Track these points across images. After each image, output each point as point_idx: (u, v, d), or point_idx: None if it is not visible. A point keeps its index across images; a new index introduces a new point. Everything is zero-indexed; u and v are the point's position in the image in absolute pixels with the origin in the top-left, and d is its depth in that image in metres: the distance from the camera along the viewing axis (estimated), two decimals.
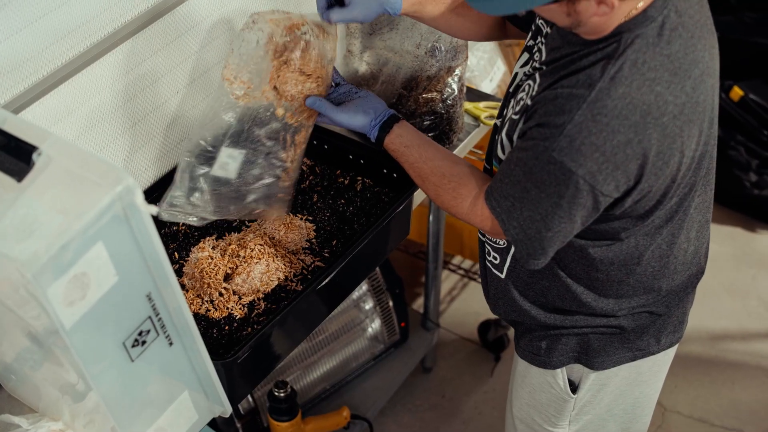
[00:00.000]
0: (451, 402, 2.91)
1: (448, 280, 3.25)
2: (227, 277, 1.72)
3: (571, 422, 1.82)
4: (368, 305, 2.69)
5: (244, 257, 1.72)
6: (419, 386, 2.95)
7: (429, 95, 2.00)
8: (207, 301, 1.69)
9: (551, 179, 1.39)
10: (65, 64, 1.58)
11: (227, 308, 1.68)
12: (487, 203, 1.51)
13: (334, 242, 1.81)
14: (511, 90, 1.62)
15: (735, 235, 3.44)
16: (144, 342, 1.29)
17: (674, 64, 1.38)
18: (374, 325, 2.71)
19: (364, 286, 2.66)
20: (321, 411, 2.59)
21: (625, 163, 1.38)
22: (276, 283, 1.72)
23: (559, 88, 1.40)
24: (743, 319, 3.14)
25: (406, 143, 1.65)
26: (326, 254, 1.79)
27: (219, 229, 1.85)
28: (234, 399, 1.59)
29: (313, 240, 1.81)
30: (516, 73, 1.62)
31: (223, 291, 1.70)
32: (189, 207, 1.67)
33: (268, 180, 1.68)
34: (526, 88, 1.52)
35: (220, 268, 1.70)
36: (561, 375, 1.76)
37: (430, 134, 2.04)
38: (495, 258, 1.73)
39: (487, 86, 2.75)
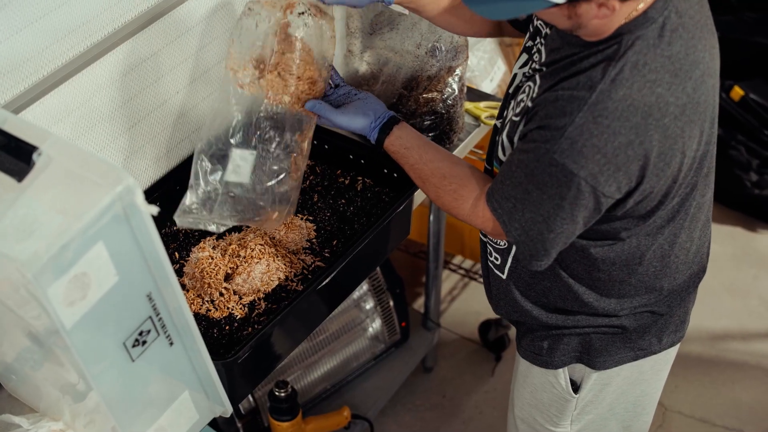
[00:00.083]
0: (451, 402, 2.91)
1: (448, 280, 3.25)
2: (228, 277, 1.72)
3: (573, 422, 1.82)
4: (369, 305, 2.69)
5: (244, 257, 1.72)
6: (420, 386, 2.95)
7: (429, 95, 2.00)
8: (207, 301, 1.69)
9: (553, 181, 1.39)
10: (65, 64, 1.58)
11: (228, 308, 1.68)
12: (489, 204, 1.51)
13: (334, 242, 1.81)
14: (510, 91, 1.62)
15: (735, 235, 3.44)
16: (144, 342, 1.29)
17: (675, 65, 1.38)
18: (375, 325, 2.71)
19: (364, 286, 2.66)
20: (322, 411, 2.59)
21: (626, 164, 1.38)
22: (276, 282, 1.72)
23: (560, 90, 1.40)
24: (744, 319, 3.14)
25: (406, 145, 1.65)
26: (327, 254, 1.79)
27: None
28: (234, 399, 1.59)
29: (314, 240, 1.81)
30: (515, 74, 1.62)
31: (224, 291, 1.70)
32: (205, 213, 1.67)
33: (280, 174, 1.68)
34: (526, 89, 1.52)
35: (220, 267, 1.70)
36: (563, 375, 1.76)
37: (430, 134, 2.04)
38: (496, 258, 1.73)
39: (488, 86, 2.74)
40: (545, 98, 1.42)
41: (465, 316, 3.14)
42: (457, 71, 2.01)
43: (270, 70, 1.62)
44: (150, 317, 1.28)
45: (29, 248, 1.07)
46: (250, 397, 2.43)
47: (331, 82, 1.73)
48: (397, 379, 2.76)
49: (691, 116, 1.41)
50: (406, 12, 1.90)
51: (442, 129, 2.05)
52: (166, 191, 1.84)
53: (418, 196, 1.98)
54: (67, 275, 1.11)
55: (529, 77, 1.54)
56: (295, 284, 1.73)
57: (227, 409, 1.53)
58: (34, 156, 1.14)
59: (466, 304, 3.19)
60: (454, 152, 2.10)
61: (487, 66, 2.77)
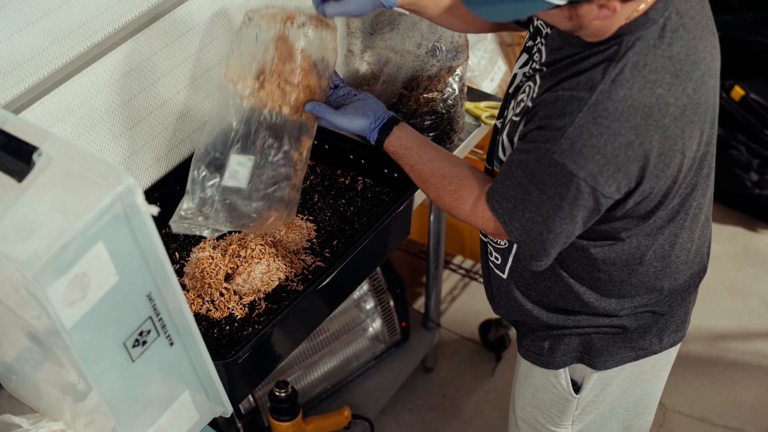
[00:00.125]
0: (452, 402, 2.91)
1: (449, 280, 3.25)
2: (228, 277, 1.72)
3: (574, 422, 1.82)
4: (369, 305, 2.69)
5: (244, 257, 1.72)
6: (420, 386, 2.95)
7: (430, 95, 2.00)
8: (208, 301, 1.69)
9: (552, 181, 1.39)
10: (66, 64, 1.58)
11: (228, 308, 1.68)
12: (489, 204, 1.51)
13: (334, 242, 1.81)
14: (510, 91, 1.62)
15: (736, 235, 3.43)
16: (145, 342, 1.29)
17: (675, 65, 1.38)
18: (375, 325, 2.71)
19: (365, 286, 2.66)
20: (322, 411, 2.59)
21: (626, 164, 1.38)
22: (277, 283, 1.72)
23: (560, 91, 1.40)
24: (744, 319, 3.14)
25: (405, 145, 1.65)
26: (327, 254, 1.79)
27: None
28: (235, 399, 1.59)
29: (314, 240, 1.81)
30: (515, 74, 1.62)
31: (224, 291, 1.70)
32: (201, 219, 1.66)
33: (279, 182, 1.68)
34: (527, 89, 1.52)
35: (220, 268, 1.70)
36: (564, 375, 1.76)
37: (431, 134, 2.04)
38: (497, 258, 1.73)
39: (488, 86, 2.74)
40: (545, 98, 1.42)
41: (465, 316, 3.14)
42: (458, 71, 2.01)
43: (270, 80, 1.61)
44: (150, 317, 1.28)
45: (29, 248, 1.07)
46: (250, 397, 2.43)
47: (330, 83, 1.73)
48: (398, 379, 2.76)
49: (692, 117, 1.41)
50: (407, 12, 1.90)
51: (442, 129, 2.05)
52: (167, 191, 1.84)
53: (419, 196, 1.98)
54: (67, 275, 1.11)
55: (530, 77, 1.54)
56: (295, 284, 1.73)
57: (227, 409, 1.53)
58: (35, 156, 1.14)
59: (467, 304, 3.19)
60: (455, 152, 2.10)
61: (487, 66, 2.77)
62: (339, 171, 1.96)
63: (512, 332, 2.99)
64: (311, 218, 1.86)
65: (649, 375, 1.79)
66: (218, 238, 1.81)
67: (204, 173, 1.65)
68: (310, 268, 1.76)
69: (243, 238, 1.76)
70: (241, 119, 1.64)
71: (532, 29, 1.60)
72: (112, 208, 1.11)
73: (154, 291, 1.25)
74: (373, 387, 2.72)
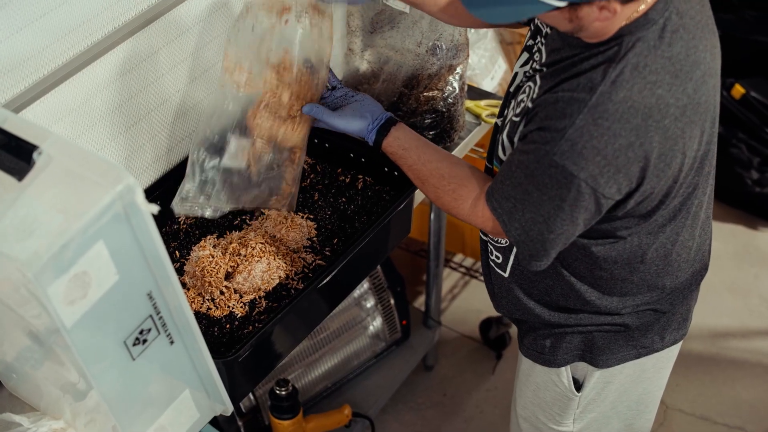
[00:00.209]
0: (452, 400, 2.91)
1: (449, 278, 3.25)
2: (228, 276, 1.72)
3: (576, 420, 1.82)
4: (369, 303, 2.69)
5: (245, 255, 1.72)
6: (421, 384, 2.95)
7: (430, 93, 2.00)
8: (208, 300, 1.69)
9: (553, 182, 1.39)
10: (66, 63, 1.58)
11: (228, 307, 1.68)
12: (488, 204, 1.51)
13: (335, 240, 1.81)
14: (511, 90, 1.62)
15: (737, 233, 3.43)
16: (145, 341, 1.29)
17: (676, 66, 1.38)
18: (375, 323, 2.71)
19: (365, 285, 2.66)
20: (322, 409, 2.59)
21: (626, 165, 1.38)
22: (277, 281, 1.72)
23: (560, 92, 1.40)
24: (745, 317, 3.14)
25: (404, 146, 1.65)
26: (327, 252, 1.79)
27: (220, 227, 1.85)
28: (235, 397, 1.59)
29: (314, 238, 1.81)
30: (516, 73, 1.62)
31: (224, 289, 1.70)
32: (202, 199, 1.68)
33: (280, 164, 1.69)
34: (527, 89, 1.52)
35: (221, 266, 1.70)
36: (565, 373, 1.76)
37: (431, 132, 2.04)
38: (498, 257, 1.73)
39: (489, 84, 2.74)
40: (545, 99, 1.42)
41: (466, 314, 3.14)
42: (458, 69, 2.01)
43: (267, 69, 1.62)
44: (150, 316, 1.28)
45: (29, 247, 1.07)
46: (250, 395, 2.43)
47: (328, 84, 1.74)
48: (398, 378, 2.76)
49: (692, 117, 1.41)
50: (407, 10, 1.90)
51: (442, 127, 2.05)
52: (167, 190, 1.84)
53: (419, 195, 1.98)
54: (68, 274, 1.11)
55: (530, 77, 1.54)
56: (295, 283, 1.73)
57: (228, 408, 1.53)
58: (35, 155, 1.14)
59: (467, 302, 3.19)
60: (455, 150, 2.10)
61: (487, 64, 2.77)
62: (339, 169, 1.96)
63: (513, 330, 2.99)
64: (311, 217, 1.86)
65: (651, 373, 1.79)
66: (218, 237, 1.81)
67: (204, 156, 1.67)
68: (311, 267, 1.76)
69: (243, 237, 1.76)
70: (239, 106, 1.65)
71: (532, 28, 1.60)
72: (113, 207, 1.11)
73: (155, 290, 1.25)
74: (373, 385, 2.72)
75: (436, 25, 1.93)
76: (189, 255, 1.77)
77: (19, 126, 1.18)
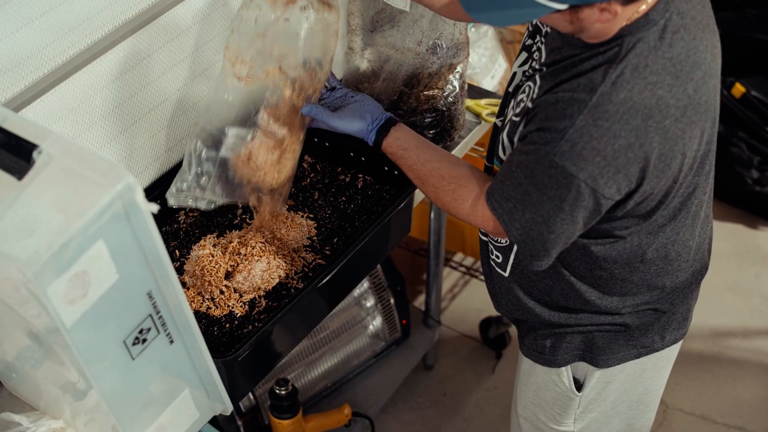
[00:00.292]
0: (452, 399, 2.91)
1: (449, 278, 3.25)
2: (228, 275, 1.72)
3: (576, 420, 1.82)
4: (369, 303, 2.69)
5: (245, 255, 1.72)
6: (421, 384, 2.95)
7: (430, 92, 1.99)
8: (208, 299, 1.69)
9: (552, 183, 1.39)
10: (66, 62, 1.58)
11: (228, 306, 1.68)
12: (488, 204, 1.51)
13: (335, 240, 1.81)
14: (510, 90, 1.62)
15: (737, 232, 3.43)
16: (145, 340, 1.29)
17: (676, 67, 1.37)
18: (375, 323, 2.71)
19: (365, 284, 2.65)
20: (322, 409, 2.59)
21: (626, 166, 1.37)
22: (277, 280, 1.71)
23: (560, 92, 1.39)
24: (745, 317, 3.14)
25: (403, 146, 1.65)
26: (327, 252, 1.79)
27: (220, 226, 1.85)
28: (235, 397, 1.59)
29: (314, 237, 1.81)
30: (515, 73, 1.61)
31: (224, 289, 1.70)
32: (197, 191, 1.67)
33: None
34: (526, 89, 1.52)
35: (221, 265, 1.70)
36: (566, 373, 1.76)
37: (431, 131, 2.04)
38: (498, 257, 1.73)
39: (489, 83, 2.74)
40: (545, 100, 1.42)
41: (466, 314, 3.14)
42: (458, 68, 2.01)
43: (269, 63, 1.61)
44: (150, 315, 1.28)
45: (29, 247, 1.07)
46: (250, 395, 2.43)
47: (327, 84, 1.73)
48: (398, 377, 2.76)
49: (692, 117, 1.41)
50: (407, 9, 1.90)
51: (443, 126, 2.05)
52: (167, 189, 1.83)
53: (419, 194, 1.97)
54: (68, 273, 1.11)
55: (529, 77, 1.54)
56: (295, 282, 1.72)
57: (227, 407, 1.53)
58: (34, 154, 1.14)
59: (467, 302, 3.19)
60: (455, 149, 2.10)
61: (488, 63, 2.77)
62: (339, 168, 1.96)
63: (512, 330, 2.99)
64: (311, 216, 1.85)
65: (651, 373, 1.79)
66: (218, 236, 1.80)
67: (201, 148, 1.66)
68: (311, 266, 1.76)
69: (243, 236, 1.76)
70: (238, 99, 1.64)
71: (531, 27, 1.60)
72: (112, 207, 1.11)
73: (154, 289, 1.25)
74: (373, 385, 2.72)
75: (437, 23, 1.93)
76: (189, 254, 1.77)
77: (19, 125, 1.18)
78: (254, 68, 1.61)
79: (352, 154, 1.93)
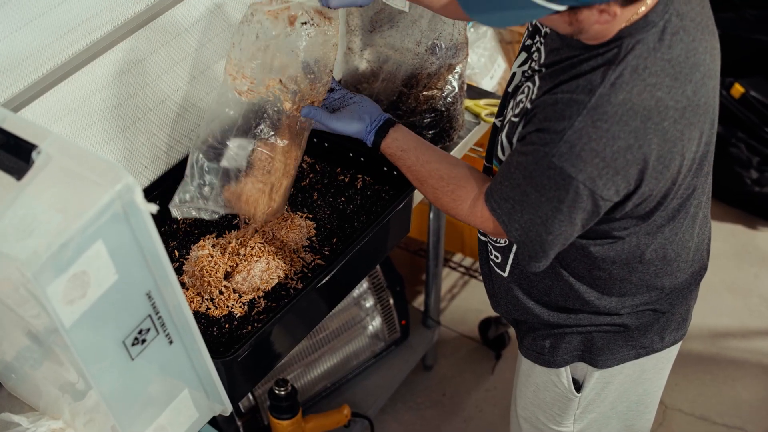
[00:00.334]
0: (452, 400, 2.91)
1: (448, 278, 3.25)
2: (227, 276, 1.71)
3: (576, 421, 1.82)
4: (369, 303, 2.69)
5: (244, 255, 1.72)
6: (420, 384, 2.95)
7: (429, 93, 1.99)
8: (207, 300, 1.69)
9: (551, 184, 1.39)
10: (65, 62, 1.58)
11: (227, 306, 1.68)
12: (487, 205, 1.51)
13: (334, 240, 1.81)
14: (510, 90, 1.62)
15: (736, 233, 3.43)
16: (144, 340, 1.29)
17: (675, 68, 1.37)
18: (375, 323, 2.71)
19: (364, 284, 2.65)
20: (322, 409, 2.59)
21: (625, 168, 1.37)
22: (276, 281, 1.71)
23: (559, 93, 1.39)
24: (745, 317, 3.14)
25: (402, 147, 1.65)
26: (326, 252, 1.79)
27: (219, 227, 1.85)
28: (234, 397, 1.59)
29: (314, 238, 1.81)
30: (514, 73, 1.61)
31: (224, 289, 1.69)
32: (200, 202, 1.67)
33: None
34: (526, 90, 1.52)
35: (220, 266, 1.70)
36: (565, 374, 1.76)
37: (430, 131, 2.04)
38: (497, 257, 1.72)
39: (488, 83, 2.74)
40: (544, 101, 1.42)
41: (465, 314, 3.14)
42: (458, 69, 2.01)
43: (270, 78, 1.61)
44: (149, 316, 1.28)
45: (29, 247, 1.07)
46: (249, 395, 2.43)
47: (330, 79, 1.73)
48: (397, 377, 2.76)
49: (691, 119, 1.41)
50: (406, 9, 1.90)
51: (442, 126, 2.05)
52: (166, 189, 1.83)
53: (418, 194, 1.97)
54: (67, 274, 1.11)
55: (529, 77, 1.54)
56: (294, 282, 1.72)
57: (227, 408, 1.53)
58: (34, 154, 1.14)
59: (466, 302, 3.19)
60: (454, 150, 2.10)
61: (487, 63, 2.77)
62: (338, 169, 1.96)
63: (512, 330, 2.99)
64: (311, 216, 1.85)
65: (651, 373, 1.79)
66: (218, 237, 1.80)
67: (203, 159, 1.66)
68: (310, 266, 1.75)
69: (242, 236, 1.76)
70: (239, 112, 1.64)
71: (531, 27, 1.60)
72: (112, 207, 1.11)
73: (154, 289, 1.25)
74: (372, 385, 2.72)
75: (436, 24, 1.93)
76: (188, 254, 1.77)
77: (18, 125, 1.18)
78: (255, 83, 1.61)
79: (351, 154, 1.93)
